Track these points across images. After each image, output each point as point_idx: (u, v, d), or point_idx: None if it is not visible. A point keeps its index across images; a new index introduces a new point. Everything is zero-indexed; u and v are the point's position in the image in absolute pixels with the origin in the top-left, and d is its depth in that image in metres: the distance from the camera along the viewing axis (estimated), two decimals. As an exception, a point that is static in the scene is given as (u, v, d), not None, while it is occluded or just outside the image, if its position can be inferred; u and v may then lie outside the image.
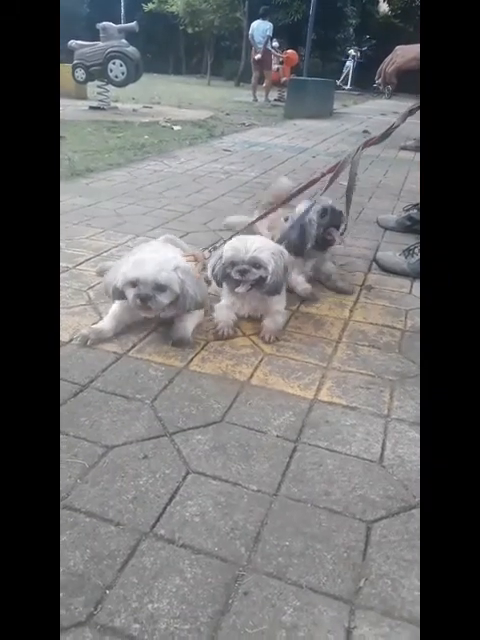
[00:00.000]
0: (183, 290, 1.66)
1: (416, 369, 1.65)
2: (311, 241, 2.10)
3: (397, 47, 2.23)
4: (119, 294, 1.70)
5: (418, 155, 5.38)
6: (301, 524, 1.08)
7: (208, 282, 2.00)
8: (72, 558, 0.97)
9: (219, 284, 1.88)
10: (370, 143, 2.22)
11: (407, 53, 2.16)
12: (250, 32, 12.47)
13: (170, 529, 1.05)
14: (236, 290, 1.79)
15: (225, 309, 1.90)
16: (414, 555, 1.03)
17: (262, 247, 1.76)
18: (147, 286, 1.62)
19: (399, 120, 2.16)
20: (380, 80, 2.32)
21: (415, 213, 3.12)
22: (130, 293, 1.65)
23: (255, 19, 12.72)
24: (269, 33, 12.36)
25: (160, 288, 1.63)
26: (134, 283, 1.64)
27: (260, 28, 12.30)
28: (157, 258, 1.66)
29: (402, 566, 1.00)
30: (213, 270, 1.84)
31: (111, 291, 1.71)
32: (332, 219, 2.15)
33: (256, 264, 1.74)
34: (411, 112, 2.21)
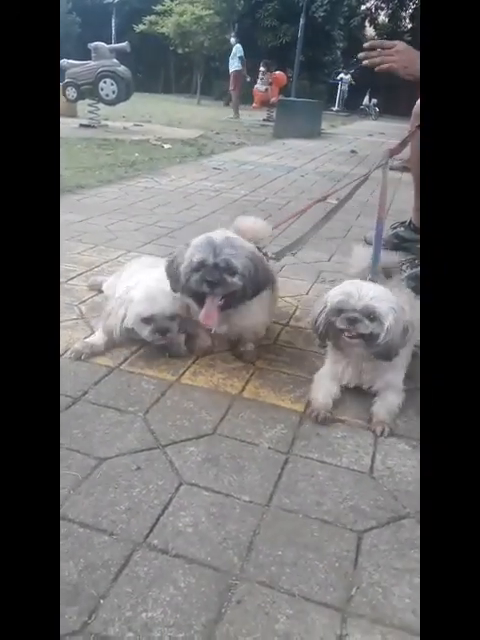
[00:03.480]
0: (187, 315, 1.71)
1: (406, 381, 1.68)
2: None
3: (399, 43, 2.07)
4: (129, 335, 1.72)
5: (404, 175, 5.48)
6: (293, 534, 1.10)
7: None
8: (66, 568, 0.98)
9: (321, 338, 1.55)
10: (394, 152, 2.15)
11: (407, 60, 2.02)
12: (241, 55, 13.21)
13: (163, 539, 1.06)
14: (343, 336, 1.47)
15: (326, 381, 1.58)
16: (404, 564, 1.04)
17: (380, 296, 1.44)
18: (165, 320, 1.67)
19: (410, 134, 2.22)
20: (365, 53, 2.08)
21: (402, 231, 3.18)
22: (145, 329, 1.67)
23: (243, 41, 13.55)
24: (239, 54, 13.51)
25: (174, 318, 1.69)
26: (149, 320, 1.66)
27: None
28: (165, 289, 1.67)
29: (392, 574, 1.02)
30: (316, 321, 1.52)
31: (120, 332, 1.70)
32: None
33: (370, 315, 1.42)
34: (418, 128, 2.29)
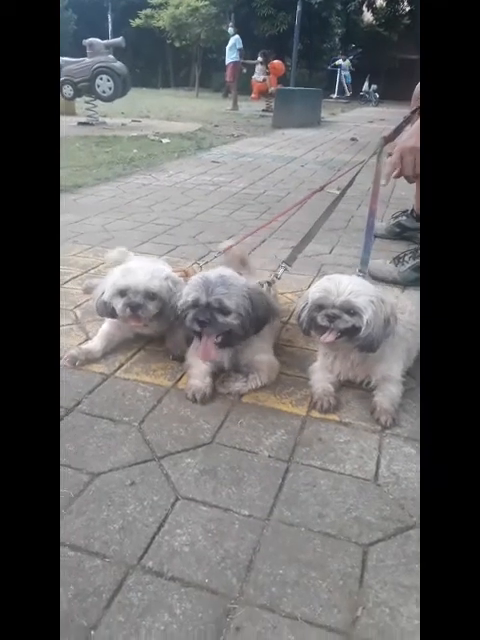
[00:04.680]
0: (172, 300, 1.61)
1: (410, 381, 1.61)
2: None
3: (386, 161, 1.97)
4: (106, 309, 1.67)
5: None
6: (295, 550, 1.04)
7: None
8: (55, 596, 0.93)
9: (306, 332, 1.55)
10: (388, 139, 2.11)
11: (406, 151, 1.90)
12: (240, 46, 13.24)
13: (158, 561, 1.01)
14: (321, 338, 1.47)
15: (321, 373, 1.59)
16: (412, 580, 0.98)
17: (358, 291, 1.43)
18: (138, 294, 1.60)
19: (405, 120, 2.18)
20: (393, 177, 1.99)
21: (404, 220, 3.10)
22: (119, 303, 1.62)
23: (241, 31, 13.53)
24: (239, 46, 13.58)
25: (150, 296, 1.61)
26: (124, 292, 1.61)
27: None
28: (147, 266, 1.65)
29: (400, 593, 0.96)
30: (299, 316, 1.53)
31: (97, 305, 1.69)
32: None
33: (349, 310, 1.42)
34: (413, 113, 2.22)
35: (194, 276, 1.55)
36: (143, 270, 1.62)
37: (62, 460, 1.24)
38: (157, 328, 1.73)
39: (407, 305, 1.62)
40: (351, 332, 1.44)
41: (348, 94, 19.65)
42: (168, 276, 1.65)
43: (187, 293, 1.50)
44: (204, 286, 1.47)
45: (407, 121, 2.27)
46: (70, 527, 1.07)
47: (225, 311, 1.46)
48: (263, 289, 1.61)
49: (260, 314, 1.52)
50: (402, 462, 1.29)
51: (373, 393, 1.53)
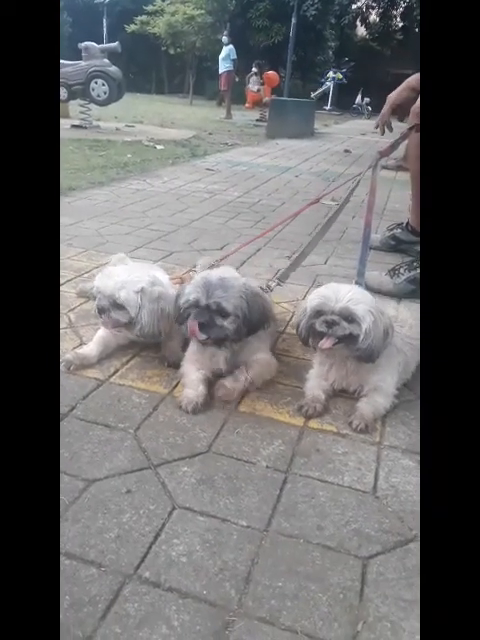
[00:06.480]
0: (138, 315, 1.61)
1: (408, 393, 1.62)
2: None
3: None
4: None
5: (399, 174, 5.44)
6: (294, 562, 1.03)
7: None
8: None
9: (305, 341, 1.55)
10: (384, 153, 2.25)
11: (396, 92, 2.35)
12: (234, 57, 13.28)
13: (155, 571, 0.99)
14: (319, 344, 1.46)
15: (315, 380, 1.59)
16: (413, 594, 0.98)
17: (358, 299, 1.43)
18: (105, 299, 1.61)
19: (402, 136, 2.28)
20: (380, 127, 2.48)
21: (399, 232, 3.12)
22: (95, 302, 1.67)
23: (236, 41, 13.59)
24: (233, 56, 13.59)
25: (117, 305, 1.61)
26: (96, 294, 1.65)
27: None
28: (124, 275, 1.63)
29: (401, 607, 0.95)
30: (298, 325, 1.54)
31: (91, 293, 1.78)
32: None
33: (348, 317, 1.42)
34: (410, 129, 2.28)
35: (197, 276, 1.54)
36: (117, 278, 1.61)
37: (57, 466, 1.22)
38: (130, 337, 1.75)
39: (407, 319, 1.63)
40: (348, 340, 1.44)
41: (328, 107, 19.66)
42: (142, 289, 1.60)
43: (188, 293, 1.50)
44: (205, 288, 1.48)
45: (404, 137, 2.31)
46: (65, 535, 1.05)
47: (223, 313, 1.47)
48: (261, 292, 1.61)
49: (255, 318, 1.52)
50: (400, 474, 1.29)
51: (359, 400, 1.53)
